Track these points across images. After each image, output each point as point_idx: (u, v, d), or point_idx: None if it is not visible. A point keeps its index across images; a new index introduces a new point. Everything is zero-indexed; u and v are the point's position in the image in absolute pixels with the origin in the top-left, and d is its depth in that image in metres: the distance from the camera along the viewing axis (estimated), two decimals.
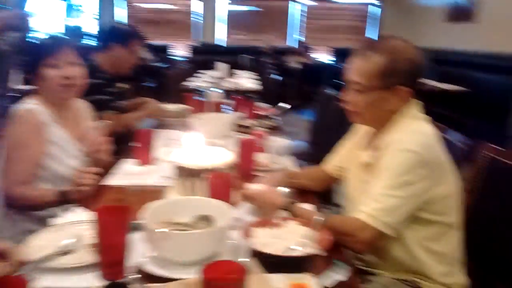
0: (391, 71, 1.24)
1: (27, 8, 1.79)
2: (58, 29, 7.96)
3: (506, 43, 5.16)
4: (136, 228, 1.09)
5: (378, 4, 8.80)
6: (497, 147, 1.49)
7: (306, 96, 7.79)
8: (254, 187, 1.40)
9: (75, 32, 7.84)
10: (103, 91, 2.40)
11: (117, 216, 1.01)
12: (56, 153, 1.64)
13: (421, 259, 1.26)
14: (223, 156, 1.48)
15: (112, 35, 2.62)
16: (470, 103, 5.25)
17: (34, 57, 1.64)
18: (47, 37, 1.73)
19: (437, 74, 6.44)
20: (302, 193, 1.59)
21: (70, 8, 8.02)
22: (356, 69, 1.29)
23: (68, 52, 1.66)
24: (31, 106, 1.61)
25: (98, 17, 8.51)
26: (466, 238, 1.36)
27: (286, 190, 1.38)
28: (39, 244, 1.14)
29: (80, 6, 8.11)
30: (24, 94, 1.73)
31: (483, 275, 1.42)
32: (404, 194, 1.17)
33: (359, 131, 1.46)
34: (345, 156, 1.53)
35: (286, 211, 1.26)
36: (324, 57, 8.92)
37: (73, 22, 8.10)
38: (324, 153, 1.66)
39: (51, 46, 1.65)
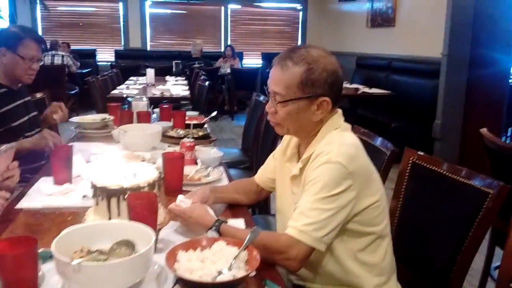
0: (310, 81, 1.21)
1: None
2: None
3: (423, 47, 5.46)
4: (51, 256, 0.98)
5: (301, 8, 9.00)
6: (419, 152, 1.52)
7: (238, 101, 7.80)
8: (182, 202, 1.32)
9: None
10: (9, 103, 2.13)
11: (22, 249, 0.89)
12: None
13: (353, 272, 1.24)
14: (146, 172, 1.38)
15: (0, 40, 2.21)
16: (395, 106, 5.48)
17: None
18: None
19: (362, 78, 6.70)
20: (233, 205, 1.53)
21: None
22: (275, 80, 1.26)
23: None
24: None
25: (9, 20, 7.87)
26: (396, 244, 1.38)
27: (212, 210, 1.32)
28: None
29: None
30: None
31: (416, 281, 1.44)
32: (334, 206, 1.14)
33: (289, 142, 1.42)
34: (275, 168, 1.49)
35: (214, 230, 1.19)
36: (255, 61, 8.98)
37: None
38: (257, 161, 1.61)
39: None
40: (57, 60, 7.22)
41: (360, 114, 5.45)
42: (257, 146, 2.83)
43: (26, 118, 2.24)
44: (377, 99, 5.67)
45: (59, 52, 7.32)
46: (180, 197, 1.35)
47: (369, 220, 1.23)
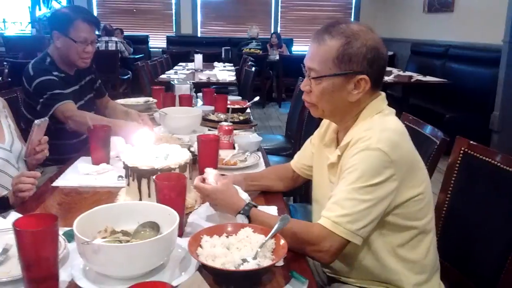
0: (346, 56, 1.12)
1: None
2: (26, 19, 7.70)
3: (483, 33, 5.11)
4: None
5: None
6: (471, 142, 1.39)
7: (286, 89, 7.69)
8: (210, 174, 1.26)
9: (44, 23, 7.57)
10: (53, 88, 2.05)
11: (40, 227, 0.88)
12: None
13: (392, 268, 1.15)
14: (178, 155, 1.35)
15: (52, 22, 2.16)
16: (450, 96, 5.19)
17: None
18: None
19: (416, 65, 6.39)
20: (268, 192, 1.47)
21: None
22: (311, 55, 1.17)
23: None
24: None
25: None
26: (442, 240, 1.27)
27: (245, 193, 1.26)
28: None
29: None
30: None
31: (462, 280, 1.32)
32: (372, 197, 1.05)
33: (328, 127, 1.34)
34: (312, 154, 1.41)
35: (243, 214, 1.13)
36: (305, 49, 8.82)
37: (43, 12, 7.82)
38: (300, 147, 1.54)
39: None
40: (111, 46, 7.40)
41: (412, 104, 5.21)
42: (300, 133, 2.75)
43: (81, 102, 2.23)
44: (431, 88, 5.39)
45: (113, 38, 7.50)
46: (208, 170, 1.29)
47: (411, 213, 1.13)
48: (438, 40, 6.15)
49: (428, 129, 1.61)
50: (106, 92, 2.51)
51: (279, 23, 8.90)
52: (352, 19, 8.84)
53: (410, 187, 1.11)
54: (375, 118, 1.16)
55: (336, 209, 1.07)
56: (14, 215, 1.18)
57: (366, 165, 1.06)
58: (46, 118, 1.57)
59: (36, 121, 1.49)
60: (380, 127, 1.11)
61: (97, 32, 2.13)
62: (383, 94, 1.22)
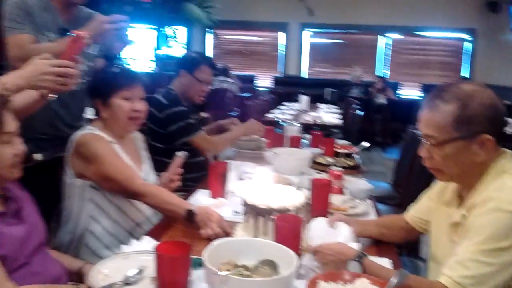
0: (465, 119, 1.10)
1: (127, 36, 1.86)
2: (148, 57, 8.50)
3: None
4: (201, 264, 1.05)
5: (470, 39, 8.33)
6: None
7: (392, 134, 7.50)
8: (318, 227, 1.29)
9: (165, 61, 8.30)
10: (186, 118, 2.36)
11: (178, 253, 0.98)
12: None
13: None
14: (294, 196, 1.40)
15: (181, 62, 2.58)
16: None
17: (109, 86, 1.68)
18: (122, 69, 1.79)
19: None
20: (379, 243, 1.46)
21: (161, 38, 8.51)
22: (426, 122, 1.18)
23: (140, 87, 1.72)
24: (96, 131, 1.66)
25: (186, 46, 8.93)
26: None
27: (357, 243, 1.27)
28: (105, 271, 1.15)
29: (172, 36, 8.56)
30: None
31: None
32: (498, 261, 1.01)
33: (447, 183, 1.31)
34: (429, 209, 1.38)
35: (357, 264, 1.14)
36: (414, 93, 8.58)
37: (164, 51, 8.58)
38: (409, 198, 1.51)
39: (128, 79, 1.71)
40: (224, 85, 7.86)
41: None
42: (409, 183, 2.67)
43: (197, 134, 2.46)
44: None
45: (227, 79, 7.95)
46: (315, 222, 1.32)
47: None
48: None
49: None
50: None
51: (383, 66, 8.81)
52: (465, 64, 8.46)
53: None
54: (505, 177, 1.12)
55: (459, 269, 1.03)
56: (147, 239, 1.32)
57: (495, 227, 1.02)
58: (186, 153, 1.76)
59: (178, 153, 1.70)
60: (509, 187, 1.07)
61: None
62: (508, 152, 1.18)
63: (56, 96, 1.39)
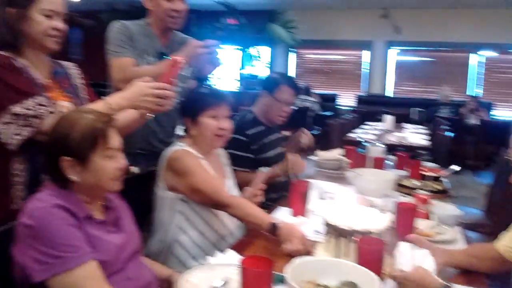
0: None
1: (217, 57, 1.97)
2: (233, 77, 8.79)
3: None
4: (282, 280, 1.08)
5: None
6: None
7: (485, 157, 7.02)
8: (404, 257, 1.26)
9: (248, 80, 8.54)
10: (265, 138, 2.41)
11: (261, 268, 1.01)
12: None
13: None
14: (377, 219, 1.39)
15: (262, 83, 2.61)
16: None
17: (197, 106, 1.80)
18: (210, 89, 1.90)
19: None
20: (468, 272, 1.38)
21: (245, 58, 8.77)
22: None
23: (226, 106, 1.82)
24: (185, 147, 1.78)
25: (269, 66, 9.12)
26: None
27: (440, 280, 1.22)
28: (193, 280, 1.21)
29: (256, 56, 8.79)
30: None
31: None
32: None
33: None
34: None
35: None
36: (510, 114, 8.00)
37: (247, 70, 8.84)
38: (502, 226, 1.43)
39: (214, 99, 1.81)
40: (306, 104, 7.90)
41: None
42: (503, 210, 2.49)
43: (275, 152, 2.50)
44: None
45: (309, 98, 7.99)
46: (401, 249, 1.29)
47: None
48: None
49: None
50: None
51: (476, 85, 8.31)
52: None
53: None
54: None
55: None
56: (231, 252, 1.37)
57: None
58: (269, 169, 1.81)
59: (262, 169, 1.75)
60: None
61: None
62: None
63: (153, 115, 1.52)
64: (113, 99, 1.42)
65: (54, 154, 1.18)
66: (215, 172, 1.81)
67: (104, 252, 1.19)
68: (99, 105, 1.41)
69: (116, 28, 2.06)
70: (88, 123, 1.19)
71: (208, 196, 1.68)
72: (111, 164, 1.22)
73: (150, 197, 1.82)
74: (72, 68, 1.65)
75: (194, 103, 1.81)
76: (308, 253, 1.43)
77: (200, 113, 1.78)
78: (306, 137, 2.57)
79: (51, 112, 1.36)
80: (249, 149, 2.33)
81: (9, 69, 1.38)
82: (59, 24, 1.46)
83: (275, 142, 2.51)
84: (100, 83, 2.26)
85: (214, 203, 1.70)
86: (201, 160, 1.77)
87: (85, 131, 1.17)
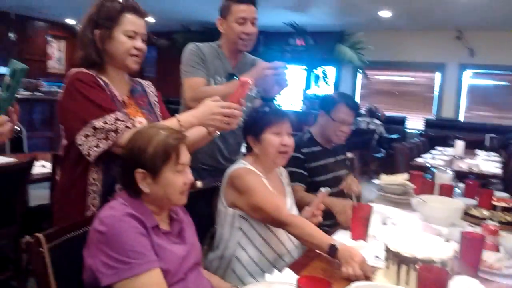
0: None
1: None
2: (297, 97, 8.82)
3: None
4: None
5: None
6: None
7: None
8: None
9: (312, 100, 8.53)
10: (320, 160, 2.38)
11: None
12: None
13: None
14: (441, 248, 1.34)
15: (320, 103, 2.56)
16: None
17: (260, 123, 1.84)
18: (272, 107, 1.93)
19: None
20: None
21: (311, 78, 8.79)
22: None
23: (288, 123, 1.86)
24: (247, 165, 1.83)
25: (334, 86, 9.07)
26: None
27: None
28: None
29: (323, 76, 8.79)
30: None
31: None
32: None
33: None
34: None
35: None
36: None
37: (311, 90, 8.84)
38: None
39: (277, 115, 1.85)
40: (371, 126, 7.76)
41: None
42: None
43: (331, 175, 2.44)
44: None
45: (375, 120, 7.84)
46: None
47: None
48: None
49: None
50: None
51: None
52: None
53: None
54: None
55: None
56: (288, 271, 1.39)
57: None
58: (328, 189, 1.81)
59: (322, 189, 1.75)
60: None
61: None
62: None
63: (220, 133, 1.58)
64: (184, 117, 1.51)
65: (129, 166, 1.27)
66: (275, 191, 1.84)
67: (167, 262, 1.25)
68: (170, 122, 1.50)
69: (190, 49, 2.17)
70: (163, 139, 1.27)
71: (269, 214, 1.70)
72: (180, 178, 1.29)
73: (213, 211, 1.88)
74: (149, 87, 1.77)
75: (257, 121, 1.86)
76: (367, 278, 1.41)
77: (263, 131, 1.83)
78: (354, 184, 2.34)
79: (127, 127, 1.47)
80: (304, 167, 2.33)
81: (93, 86, 1.50)
82: (140, 44, 1.57)
83: (331, 165, 2.46)
84: (171, 100, 2.39)
85: (275, 221, 1.72)
86: (263, 179, 1.81)
87: (159, 146, 1.26)
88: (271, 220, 1.72)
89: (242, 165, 1.83)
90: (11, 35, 9.74)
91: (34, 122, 6.18)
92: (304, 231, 1.65)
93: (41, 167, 2.80)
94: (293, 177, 2.18)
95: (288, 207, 1.87)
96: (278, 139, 1.81)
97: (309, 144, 2.40)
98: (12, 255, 2.44)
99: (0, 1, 8.22)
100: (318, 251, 1.60)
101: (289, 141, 1.85)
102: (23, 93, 6.36)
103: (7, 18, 9.57)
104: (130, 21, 1.54)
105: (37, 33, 10.36)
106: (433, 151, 5.71)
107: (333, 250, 1.52)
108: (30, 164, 2.38)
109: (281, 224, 1.70)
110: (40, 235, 1.17)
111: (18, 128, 2.81)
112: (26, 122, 5.71)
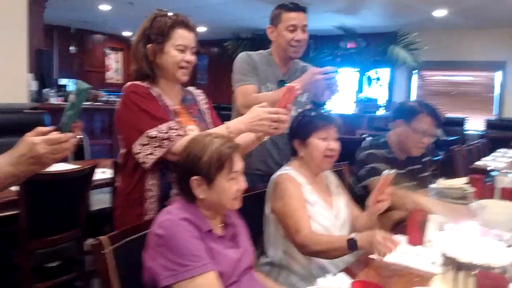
0: None
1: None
2: (349, 99, 8.68)
3: None
4: None
5: None
6: None
7: None
8: None
9: (364, 103, 8.37)
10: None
11: None
12: (309, 211, 1.79)
13: None
14: (502, 254, 1.29)
15: (398, 112, 2.43)
16: None
17: (307, 127, 1.85)
18: (319, 112, 1.93)
19: None
20: None
21: (363, 80, 8.62)
22: None
23: (335, 128, 1.86)
24: (290, 172, 1.84)
25: (389, 88, 8.85)
26: None
27: None
28: None
29: (376, 78, 8.60)
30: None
31: None
32: None
33: None
34: None
35: None
36: None
37: (365, 93, 8.67)
38: None
39: (324, 121, 1.85)
40: None
41: None
42: None
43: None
44: None
45: None
46: None
47: None
48: None
49: None
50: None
51: None
52: None
53: None
54: None
55: None
56: (342, 276, 1.39)
57: None
58: (394, 170, 1.71)
59: (384, 172, 1.69)
60: None
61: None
62: None
63: (269, 138, 1.60)
64: (233, 123, 1.55)
65: (186, 173, 1.32)
66: (318, 196, 1.84)
67: (221, 265, 1.29)
68: (220, 129, 1.55)
69: (241, 58, 2.23)
70: (217, 147, 1.31)
71: (287, 229, 1.74)
72: (233, 185, 1.33)
73: (262, 217, 1.90)
74: (199, 95, 1.83)
75: (304, 125, 1.87)
76: (394, 244, 1.44)
77: (309, 135, 1.84)
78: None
79: (179, 135, 1.53)
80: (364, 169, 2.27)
81: (147, 97, 1.58)
82: (190, 57, 1.64)
83: (406, 175, 2.35)
84: (222, 106, 2.44)
85: (289, 238, 1.74)
86: (306, 186, 1.82)
87: (214, 155, 1.30)
88: (287, 233, 1.75)
89: (286, 171, 1.85)
90: (72, 48, 10.39)
91: (94, 130, 6.49)
92: (321, 241, 1.65)
93: (102, 173, 2.94)
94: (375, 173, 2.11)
95: (335, 210, 1.88)
96: (324, 144, 1.82)
97: (383, 147, 2.33)
98: (77, 257, 2.58)
99: (61, 17, 8.73)
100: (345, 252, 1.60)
101: (336, 145, 1.85)
102: (84, 103, 6.69)
103: (68, 33, 10.20)
104: (180, 35, 1.61)
105: (96, 46, 10.94)
106: (494, 153, 5.44)
107: (352, 243, 1.53)
108: (92, 170, 2.51)
109: (297, 246, 1.71)
110: (103, 238, 1.24)
111: (81, 136, 2.94)
112: (87, 130, 6.02)
